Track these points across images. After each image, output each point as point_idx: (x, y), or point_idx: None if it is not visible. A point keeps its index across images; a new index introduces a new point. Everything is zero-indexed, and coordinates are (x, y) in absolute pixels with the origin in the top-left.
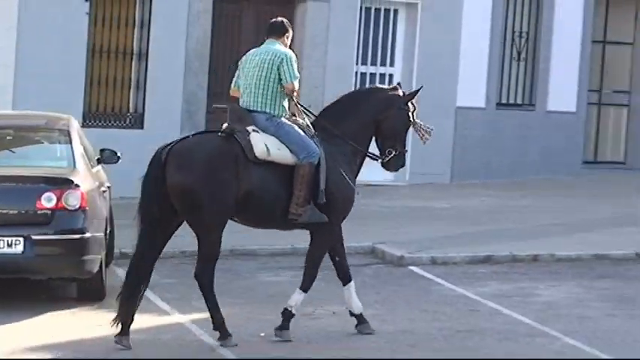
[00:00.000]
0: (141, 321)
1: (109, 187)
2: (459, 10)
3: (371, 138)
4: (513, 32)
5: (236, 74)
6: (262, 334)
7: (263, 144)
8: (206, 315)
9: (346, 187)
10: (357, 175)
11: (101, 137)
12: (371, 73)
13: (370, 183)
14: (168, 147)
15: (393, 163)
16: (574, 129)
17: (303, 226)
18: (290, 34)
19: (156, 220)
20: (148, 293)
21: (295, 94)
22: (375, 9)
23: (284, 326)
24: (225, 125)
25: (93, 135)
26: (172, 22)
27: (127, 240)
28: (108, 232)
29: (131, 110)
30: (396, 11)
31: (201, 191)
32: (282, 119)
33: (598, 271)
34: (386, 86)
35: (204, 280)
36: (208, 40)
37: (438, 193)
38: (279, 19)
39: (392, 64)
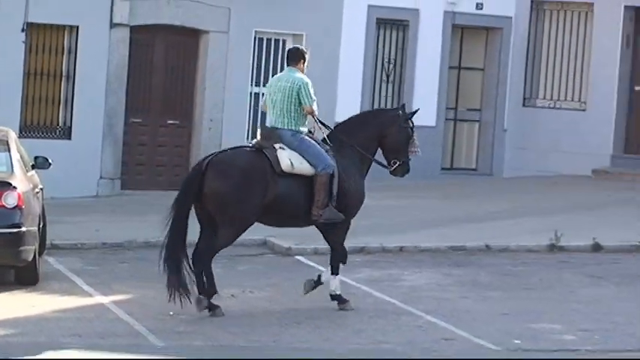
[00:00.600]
0: (68, 301)
1: (41, 189)
2: (338, 40)
3: (376, 149)
4: (383, 59)
5: (265, 94)
6: (171, 313)
7: (288, 159)
8: (124, 296)
9: (358, 190)
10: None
11: (35, 146)
12: (263, 93)
13: None
14: (209, 158)
15: (400, 171)
16: (434, 141)
17: (323, 223)
18: (306, 58)
19: (186, 215)
20: (75, 278)
21: (314, 113)
22: (267, 39)
23: (342, 301)
24: (254, 142)
25: (28, 144)
26: (95, 49)
27: (57, 233)
28: (41, 226)
29: (60, 124)
30: (284, 41)
31: (232, 196)
32: (304, 135)
33: (454, 260)
34: (389, 108)
35: (206, 260)
36: (126, 64)
37: None
38: (296, 47)
39: None
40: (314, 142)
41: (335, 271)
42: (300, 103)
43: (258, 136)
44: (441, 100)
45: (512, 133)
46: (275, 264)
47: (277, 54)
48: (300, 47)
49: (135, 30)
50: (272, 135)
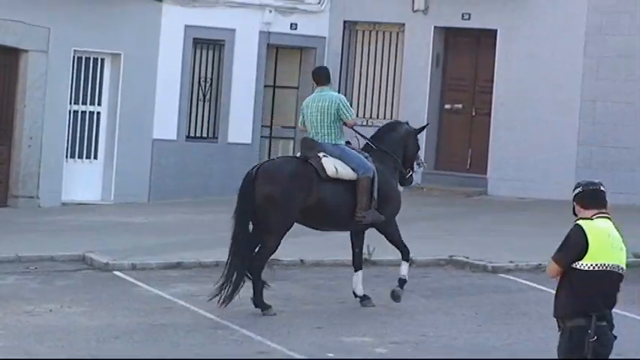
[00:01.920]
0: None
1: None
2: (155, 59)
3: (402, 157)
4: (200, 78)
5: (301, 115)
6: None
7: (333, 165)
8: None
9: (395, 192)
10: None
11: None
12: (82, 111)
13: (82, 202)
14: (258, 166)
15: (410, 180)
16: (250, 158)
17: (367, 225)
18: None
19: (247, 223)
20: None
21: (355, 124)
22: (86, 58)
23: (402, 284)
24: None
25: None
26: None
27: None
28: None
29: None
30: (102, 60)
31: (279, 199)
32: (343, 145)
33: (270, 274)
34: (403, 121)
35: (259, 267)
36: None
37: (138, 210)
38: (324, 67)
39: (99, 104)
40: (353, 150)
41: (405, 257)
42: (339, 118)
43: (301, 148)
44: (256, 118)
45: None
46: (93, 279)
47: (95, 72)
48: (326, 67)
49: None
50: (315, 146)
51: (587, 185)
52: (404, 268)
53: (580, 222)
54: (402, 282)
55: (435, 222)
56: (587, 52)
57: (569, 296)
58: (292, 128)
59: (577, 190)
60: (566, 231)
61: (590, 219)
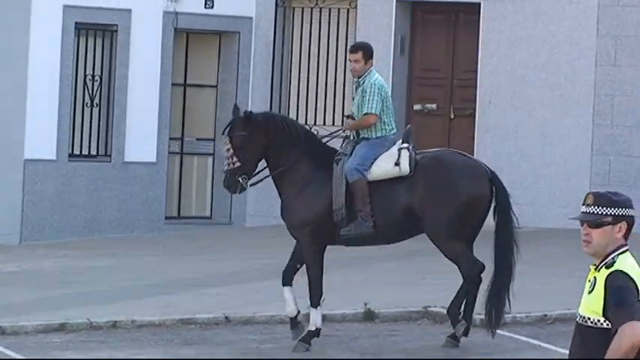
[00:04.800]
0: None
1: None
2: (24, 53)
3: None
4: (86, 76)
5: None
6: None
7: None
8: None
9: None
10: None
11: None
12: None
13: None
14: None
15: None
16: (155, 181)
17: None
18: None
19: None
20: None
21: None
22: None
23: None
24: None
25: None
26: None
27: None
28: None
29: None
30: None
31: None
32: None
33: (184, 336)
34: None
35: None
36: None
37: (6, 255)
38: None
39: None
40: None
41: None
42: None
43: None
44: (162, 128)
45: None
46: None
47: None
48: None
49: None
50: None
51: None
52: (315, 316)
53: (622, 267)
54: (310, 335)
55: (404, 261)
56: (601, 30)
57: None
58: (211, 141)
59: (632, 211)
60: (578, 269)
61: (615, 254)
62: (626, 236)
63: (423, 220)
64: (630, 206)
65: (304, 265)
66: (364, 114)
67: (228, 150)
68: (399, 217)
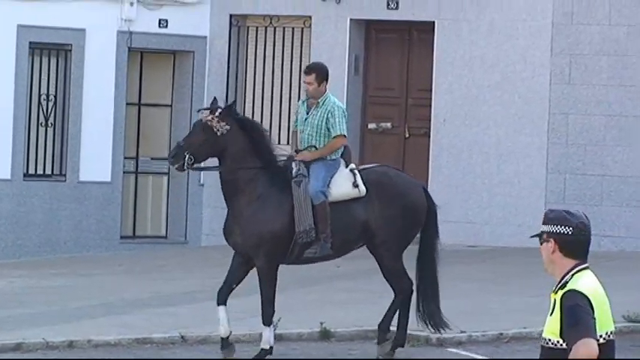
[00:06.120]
0: None
1: None
2: None
3: None
4: (40, 95)
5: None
6: None
7: None
8: None
9: None
10: None
11: None
12: None
13: None
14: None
15: None
16: (110, 201)
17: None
18: None
19: None
20: None
21: None
22: None
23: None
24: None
25: None
26: None
27: None
28: None
29: None
30: None
31: None
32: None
33: (140, 355)
34: None
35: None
36: None
37: None
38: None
39: None
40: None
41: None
42: None
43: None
44: (117, 147)
45: (211, 188)
46: None
47: None
48: None
49: None
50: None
51: (578, 225)
52: (267, 335)
53: (575, 286)
54: (263, 354)
55: (359, 280)
56: (555, 48)
57: None
58: (164, 160)
59: (564, 228)
60: (534, 288)
61: (569, 275)
62: (565, 253)
63: (375, 236)
64: (558, 223)
65: (256, 283)
66: (336, 136)
67: (209, 120)
68: (357, 235)
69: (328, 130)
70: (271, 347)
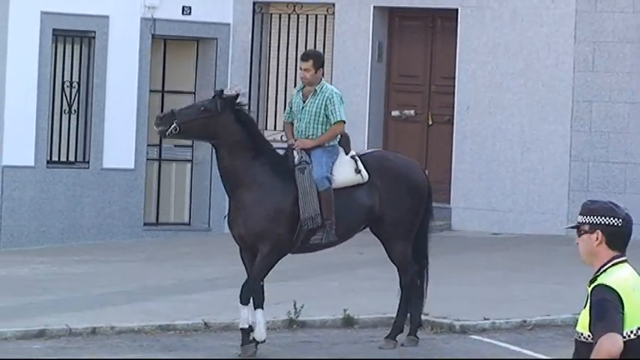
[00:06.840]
0: None
1: None
2: (3, 59)
3: None
4: (64, 82)
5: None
6: None
7: None
8: None
9: None
10: None
11: None
12: None
13: None
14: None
15: None
16: (133, 188)
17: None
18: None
19: None
20: None
21: None
22: None
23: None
24: None
25: None
26: None
27: None
28: None
29: None
30: None
31: None
32: None
33: (164, 342)
34: None
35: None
36: None
37: None
38: None
39: None
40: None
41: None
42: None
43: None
44: (140, 134)
45: None
46: None
47: None
48: None
49: None
50: None
51: (626, 217)
52: (244, 315)
53: (605, 280)
54: (245, 333)
55: (381, 268)
56: (579, 36)
57: None
58: (189, 147)
59: (613, 220)
60: (558, 275)
61: (607, 266)
62: (611, 246)
63: (383, 220)
64: (606, 215)
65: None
66: (336, 122)
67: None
68: (361, 220)
69: (327, 117)
70: (250, 327)
